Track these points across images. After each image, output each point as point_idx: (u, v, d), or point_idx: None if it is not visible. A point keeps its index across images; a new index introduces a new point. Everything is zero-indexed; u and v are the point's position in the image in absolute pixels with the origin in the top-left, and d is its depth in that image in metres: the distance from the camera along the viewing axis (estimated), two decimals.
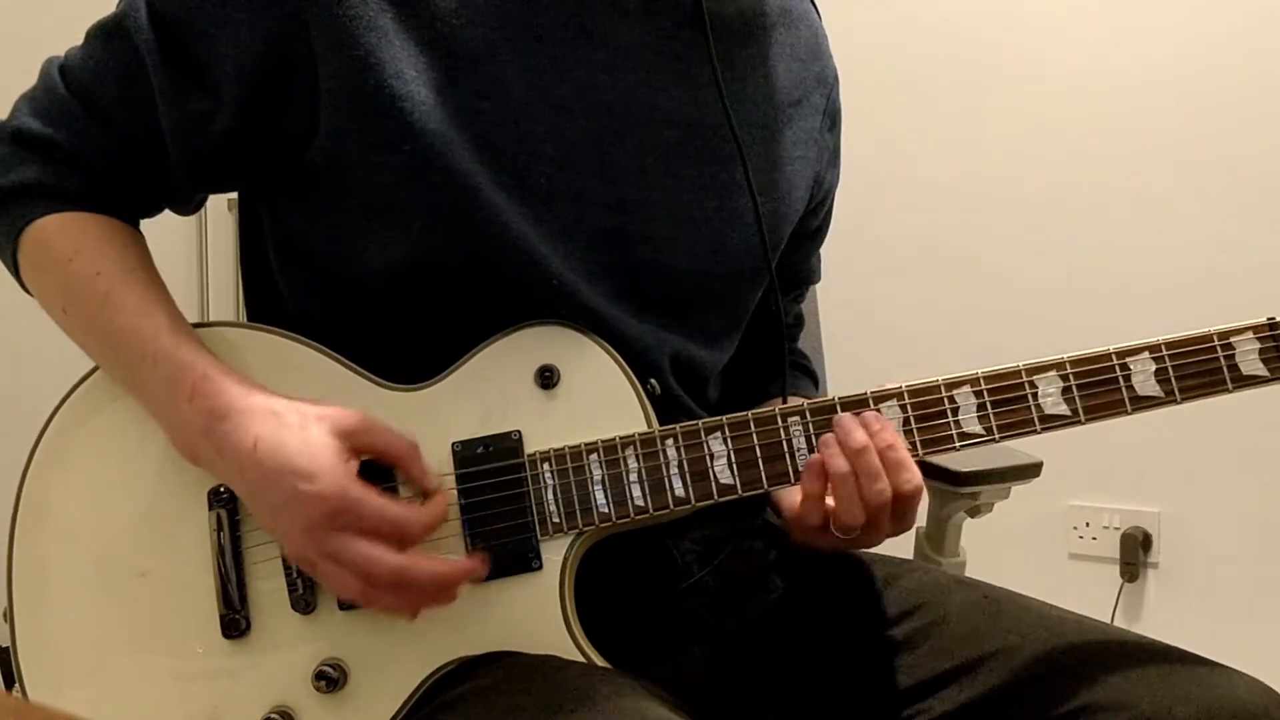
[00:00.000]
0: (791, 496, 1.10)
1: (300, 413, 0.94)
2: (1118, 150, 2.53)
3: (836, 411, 1.00)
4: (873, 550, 1.16)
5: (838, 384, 1.34)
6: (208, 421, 0.95)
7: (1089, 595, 2.52)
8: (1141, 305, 2.49)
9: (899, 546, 1.17)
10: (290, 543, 0.94)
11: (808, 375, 1.37)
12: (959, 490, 1.44)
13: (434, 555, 0.96)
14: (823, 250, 1.35)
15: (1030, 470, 1.51)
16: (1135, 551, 2.54)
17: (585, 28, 1.04)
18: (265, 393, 0.96)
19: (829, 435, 0.99)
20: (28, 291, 1.08)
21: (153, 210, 1.10)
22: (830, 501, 1.00)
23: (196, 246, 2.84)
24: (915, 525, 1.05)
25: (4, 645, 1.03)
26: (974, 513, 1.48)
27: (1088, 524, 2.59)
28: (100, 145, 1.03)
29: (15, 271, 1.07)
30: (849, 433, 0.98)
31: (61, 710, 0.66)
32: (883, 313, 2.67)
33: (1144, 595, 2.57)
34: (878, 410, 1.00)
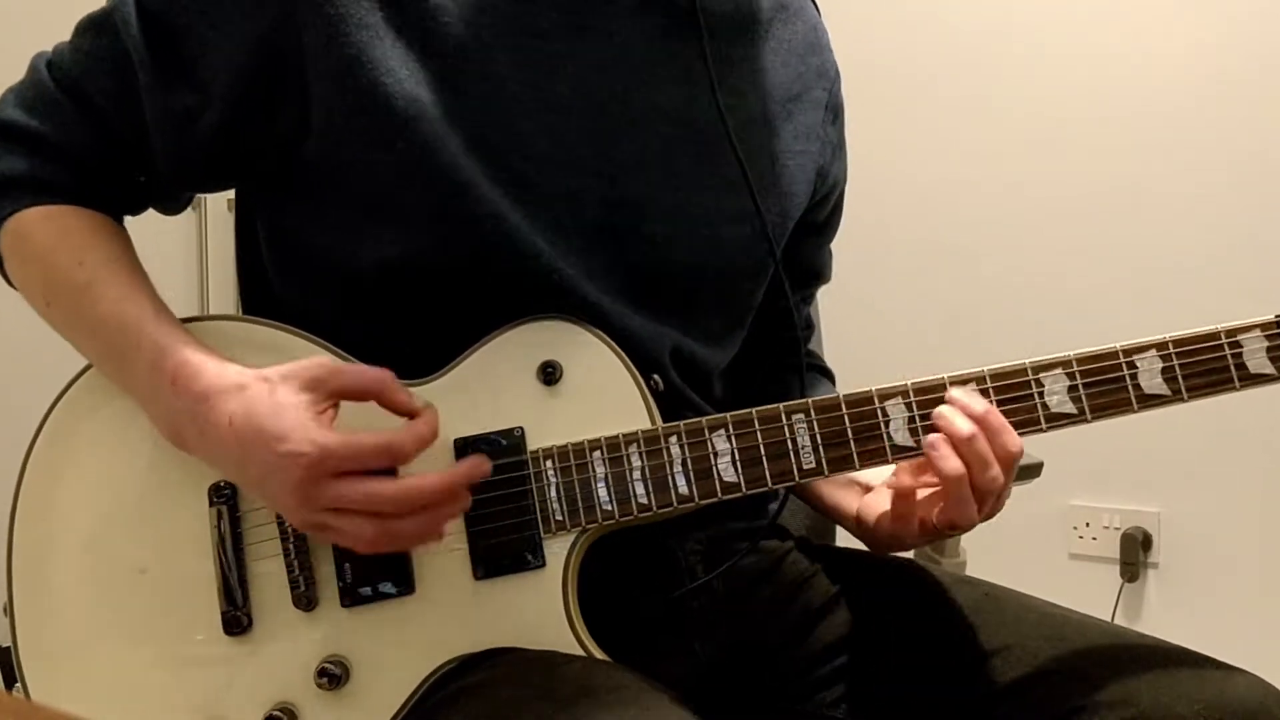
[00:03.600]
0: (864, 511, 1.10)
1: (265, 379, 0.93)
2: (1123, 147, 2.53)
3: (841, 409, 0.99)
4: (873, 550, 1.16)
5: (839, 383, 1.34)
6: (189, 405, 0.94)
7: (1089, 595, 2.52)
8: (1148, 302, 2.48)
9: None
10: (289, 511, 0.93)
11: (824, 375, 1.36)
12: None
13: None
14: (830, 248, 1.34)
15: (1030, 470, 1.51)
16: (1135, 551, 2.54)
17: (581, 25, 1.04)
18: (239, 370, 0.95)
19: (934, 437, 0.97)
20: (11, 285, 1.07)
21: (138, 208, 1.10)
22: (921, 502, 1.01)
23: (196, 246, 2.83)
24: None
25: (5, 645, 1.02)
26: None
27: (1088, 524, 2.59)
28: (86, 140, 1.03)
29: None
30: (953, 422, 0.97)
31: (62, 710, 0.66)
32: (886, 311, 2.67)
33: (1144, 595, 2.57)
34: (882, 407, 0.99)
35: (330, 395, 0.93)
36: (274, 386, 0.92)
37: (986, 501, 0.99)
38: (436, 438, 0.95)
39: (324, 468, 0.89)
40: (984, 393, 0.99)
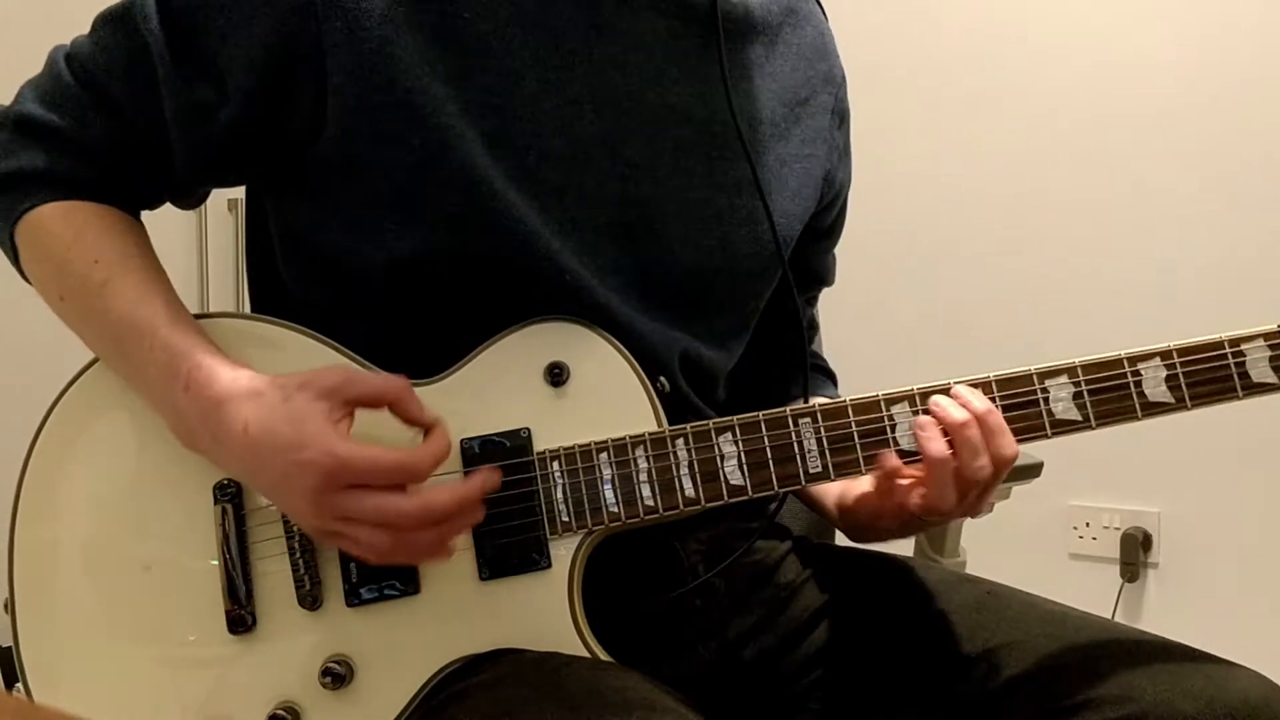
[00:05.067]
0: (845, 492, 1.10)
1: (282, 387, 0.93)
2: (1128, 153, 2.53)
3: (847, 414, 0.99)
4: (873, 549, 1.16)
5: (844, 388, 1.34)
6: (202, 409, 0.94)
7: (1089, 595, 2.52)
8: (1152, 310, 2.48)
9: (899, 546, 1.17)
10: (304, 519, 0.93)
11: (828, 376, 1.36)
12: None
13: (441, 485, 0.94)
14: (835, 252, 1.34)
15: (1030, 470, 1.51)
16: (1135, 551, 2.54)
17: (597, 23, 1.04)
18: (251, 374, 0.95)
19: (924, 419, 0.99)
20: (26, 279, 1.07)
21: (154, 202, 1.09)
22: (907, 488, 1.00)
23: (197, 244, 2.83)
24: None
25: (6, 645, 1.02)
26: None
27: (1088, 524, 2.59)
28: (104, 133, 1.03)
29: (14, 258, 1.06)
30: (947, 410, 0.98)
31: (63, 711, 0.66)
32: (890, 316, 2.67)
33: (1144, 595, 2.57)
34: (889, 413, 1.00)
35: (347, 403, 0.93)
36: (290, 393, 0.92)
37: (970, 493, 0.99)
38: (449, 453, 0.95)
39: (340, 479, 0.89)
40: (990, 399, 0.99)
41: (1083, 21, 2.56)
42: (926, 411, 0.99)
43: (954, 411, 0.98)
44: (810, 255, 1.26)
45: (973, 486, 0.98)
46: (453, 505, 0.92)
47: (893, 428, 0.99)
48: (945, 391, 1.00)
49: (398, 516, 0.90)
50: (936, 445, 0.97)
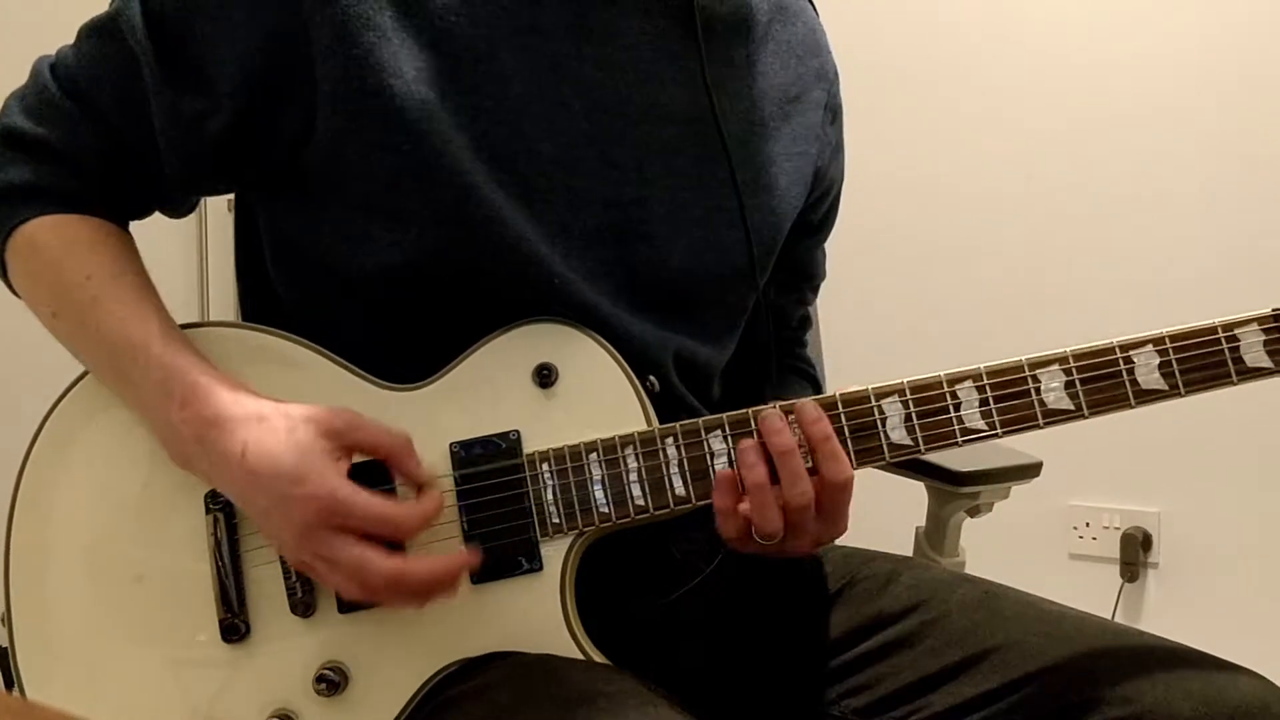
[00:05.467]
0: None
1: (287, 415, 0.93)
2: (1119, 145, 2.54)
3: (838, 408, 0.99)
4: (874, 548, 1.15)
5: (837, 381, 1.33)
6: (198, 430, 0.94)
7: (1089, 595, 2.51)
8: (1145, 297, 2.48)
9: (899, 547, 1.17)
10: (285, 546, 0.94)
11: (809, 380, 1.35)
12: (959, 490, 1.43)
13: (427, 555, 0.96)
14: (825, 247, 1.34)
15: (1030, 470, 1.50)
16: (1135, 551, 2.54)
17: (584, 26, 1.04)
18: (254, 398, 0.95)
19: (748, 443, 0.97)
20: (16, 294, 1.07)
21: (144, 212, 1.09)
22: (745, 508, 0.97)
23: (196, 246, 2.84)
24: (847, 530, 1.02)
25: (2, 646, 1.02)
26: (974, 512, 1.48)
27: (1088, 524, 2.59)
28: (92, 144, 1.03)
29: (3, 273, 1.06)
30: (776, 433, 0.96)
31: (62, 711, 0.65)
32: (883, 309, 2.68)
33: (1144, 595, 2.57)
34: (878, 405, 0.99)
35: (350, 446, 0.94)
36: (295, 425, 0.92)
37: (802, 518, 0.96)
38: (440, 512, 0.96)
39: (332, 520, 0.90)
40: (980, 389, 0.98)
41: (1077, 19, 2.57)
42: (925, 424, 0.98)
43: (781, 438, 0.96)
44: (801, 250, 1.26)
45: (801, 511, 0.96)
46: (424, 579, 0.93)
47: (883, 421, 0.98)
48: (937, 385, 0.98)
49: (371, 575, 0.91)
50: (754, 473, 0.95)
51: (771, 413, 0.97)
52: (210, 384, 0.95)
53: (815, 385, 1.36)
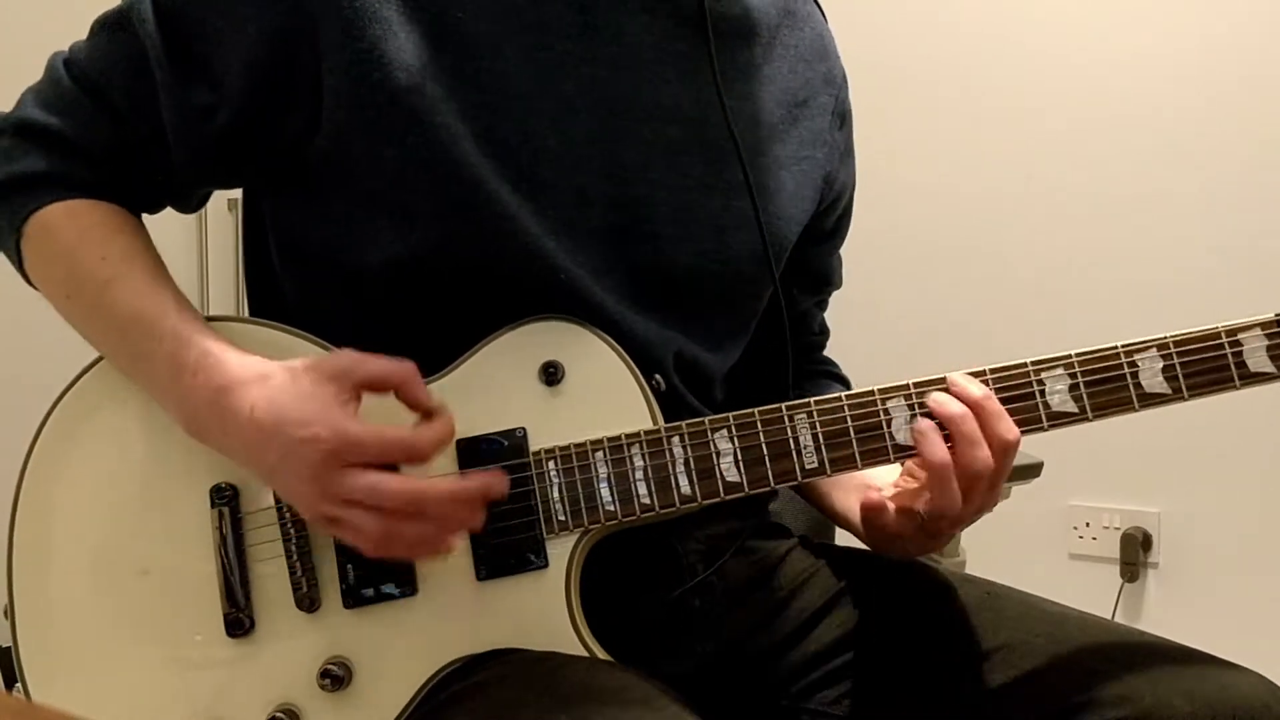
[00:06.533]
0: (863, 506, 1.09)
1: (289, 369, 0.94)
2: (1124, 147, 2.54)
3: (843, 408, 0.99)
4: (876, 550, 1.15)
5: None
6: (210, 395, 0.95)
7: (1089, 595, 2.52)
8: (1145, 297, 2.48)
9: None
10: (302, 499, 0.93)
11: (839, 381, 1.34)
12: None
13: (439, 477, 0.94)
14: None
15: (1030, 470, 1.51)
16: (1135, 551, 2.54)
17: (591, 24, 1.04)
18: (260, 360, 0.96)
19: (923, 423, 0.98)
20: (30, 283, 1.07)
21: (155, 206, 1.10)
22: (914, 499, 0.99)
23: (197, 245, 2.84)
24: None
25: (5, 645, 1.02)
26: None
27: (1088, 524, 2.59)
28: (105, 137, 1.03)
29: (18, 261, 1.06)
30: (944, 405, 0.98)
31: (63, 710, 0.65)
32: (888, 312, 2.67)
33: (1144, 595, 2.57)
34: (885, 407, 0.99)
35: (355, 386, 0.93)
36: (298, 375, 0.93)
37: (976, 488, 0.98)
38: (452, 441, 0.95)
39: (343, 455, 0.89)
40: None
41: (1081, 21, 2.57)
42: (924, 406, 0.99)
43: (951, 406, 0.97)
44: (814, 257, 1.25)
45: (977, 480, 0.97)
46: (445, 496, 0.91)
47: (889, 422, 0.99)
48: (942, 383, 0.99)
49: (385, 496, 0.89)
50: (938, 450, 0.97)
51: (937, 392, 0.98)
52: (222, 351, 0.96)
53: (846, 386, 1.35)
